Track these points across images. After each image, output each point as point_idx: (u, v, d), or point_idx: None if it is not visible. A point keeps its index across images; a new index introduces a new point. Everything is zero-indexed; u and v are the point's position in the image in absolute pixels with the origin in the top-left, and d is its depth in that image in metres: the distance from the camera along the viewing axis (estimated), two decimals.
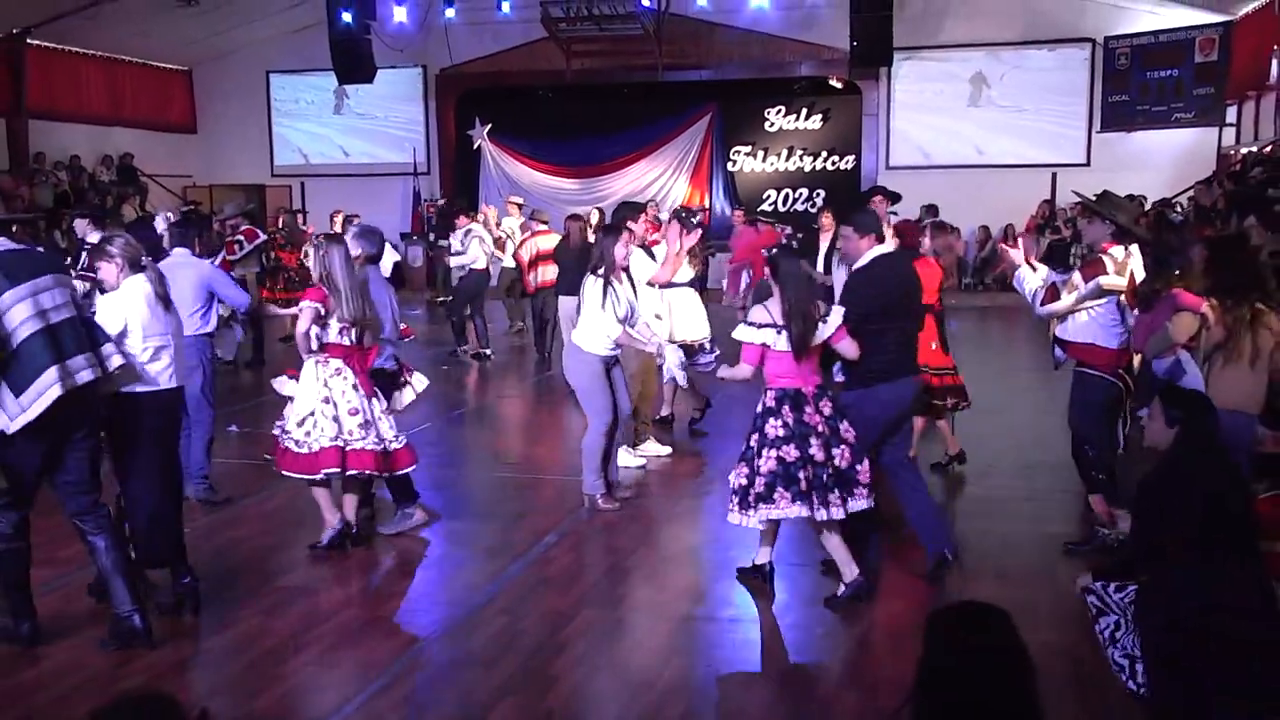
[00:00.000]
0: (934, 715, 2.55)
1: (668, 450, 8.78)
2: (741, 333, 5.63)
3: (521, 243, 13.80)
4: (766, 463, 5.50)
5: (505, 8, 20.63)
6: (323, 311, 6.41)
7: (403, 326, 7.70)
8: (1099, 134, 20.16)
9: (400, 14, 21.27)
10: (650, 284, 8.33)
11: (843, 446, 5.55)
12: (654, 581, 6.17)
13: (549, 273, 12.29)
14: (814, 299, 5.69)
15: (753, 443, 5.60)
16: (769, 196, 23.03)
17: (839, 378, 6.06)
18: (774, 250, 6.12)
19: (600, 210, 14.24)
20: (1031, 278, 6.54)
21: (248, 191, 22.30)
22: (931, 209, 18.71)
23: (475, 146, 24.15)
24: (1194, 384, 5.97)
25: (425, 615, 5.74)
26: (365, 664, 5.08)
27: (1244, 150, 17.79)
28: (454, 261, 14.51)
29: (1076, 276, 6.36)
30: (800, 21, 20.55)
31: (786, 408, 5.55)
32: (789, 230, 18.96)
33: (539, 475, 8.37)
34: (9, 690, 4.78)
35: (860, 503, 5.57)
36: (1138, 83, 19.35)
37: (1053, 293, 6.38)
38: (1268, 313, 5.82)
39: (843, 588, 5.61)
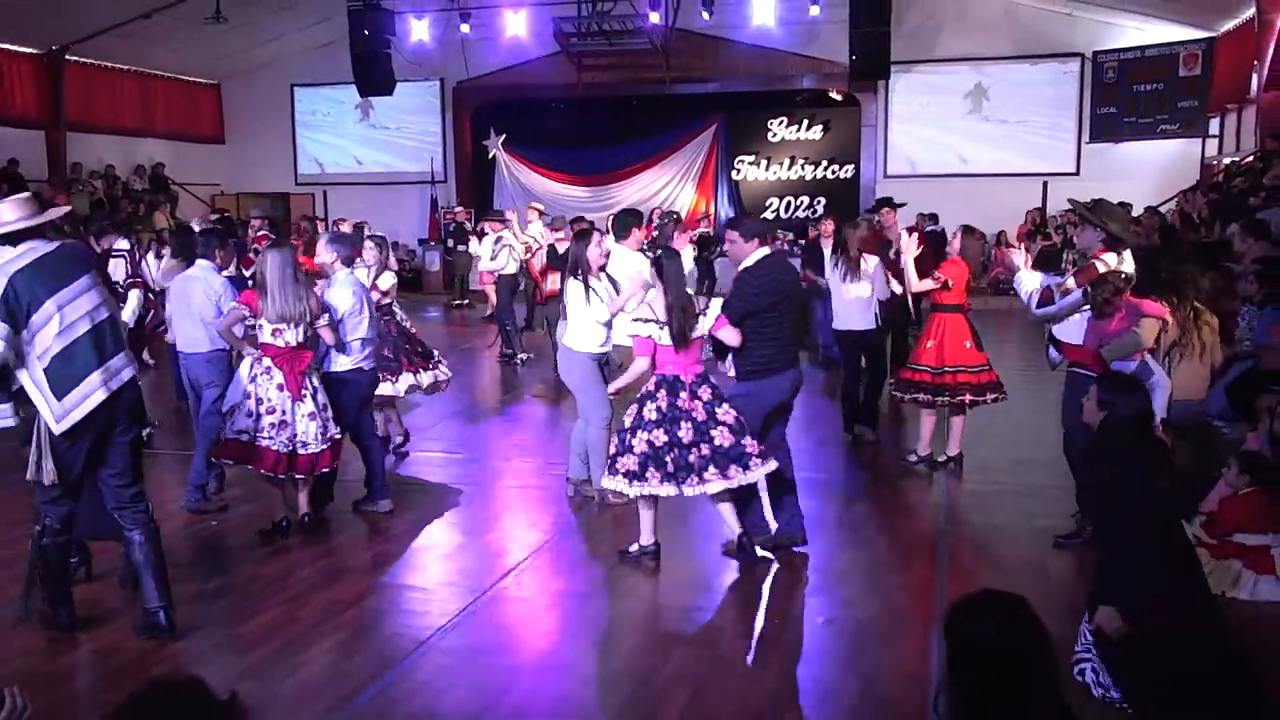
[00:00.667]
0: (967, 696, 2.75)
1: None
2: (632, 328, 6.10)
3: (534, 251, 13.88)
4: (640, 444, 5.89)
5: (518, 25, 20.66)
6: (247, 313, 6.55)
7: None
8: (1088, 144, 20.24)
9: (419, 30, 21.30)
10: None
11: (720, 428, 5.88)
12: (659, 573, 6.10)
13: (558, 281, 12.29)
14: (691, 297, 6.11)
15: (627, 420, 6.00)
16: (771, 204, 23.12)
17: (730, 371, 6.37)
18: (659, 253, 6.32)
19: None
20: (1030, 280, 6.62)
21: (272, 199, 22.56)
22: (931, 217, 18.90)
23: (490, 156, 24.18)
24: (1163, 384, 6.26)
25: (441, 605, 5.69)
26: (384, 651, 5.09)
27: (1226, 160, 17.89)
28: (483, 267, 14.54)
29: (1070, 281, 6.42)
30: (802, 37, 20.59)
31: (663, 392, 5.98)
32: (790, 236, 19.13)
33: (550, 471, 8.32)
34: (50, 674, 4.81)
35: (747, 474, 5.88)
36: (1125, 96, 19.42)
37: (1048, 295, 6.46)
38: (1204, 310, 6.44)
39: (635, 545, 6.14)
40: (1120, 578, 4.25)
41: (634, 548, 6.17)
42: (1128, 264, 6.45)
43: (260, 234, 12.45)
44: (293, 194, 23.97)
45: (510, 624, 5.50)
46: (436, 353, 9.19)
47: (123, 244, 12.09)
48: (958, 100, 20.92)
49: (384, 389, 8.51)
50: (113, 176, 21.74)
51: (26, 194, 5.20)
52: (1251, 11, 15.85)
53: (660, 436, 5.88)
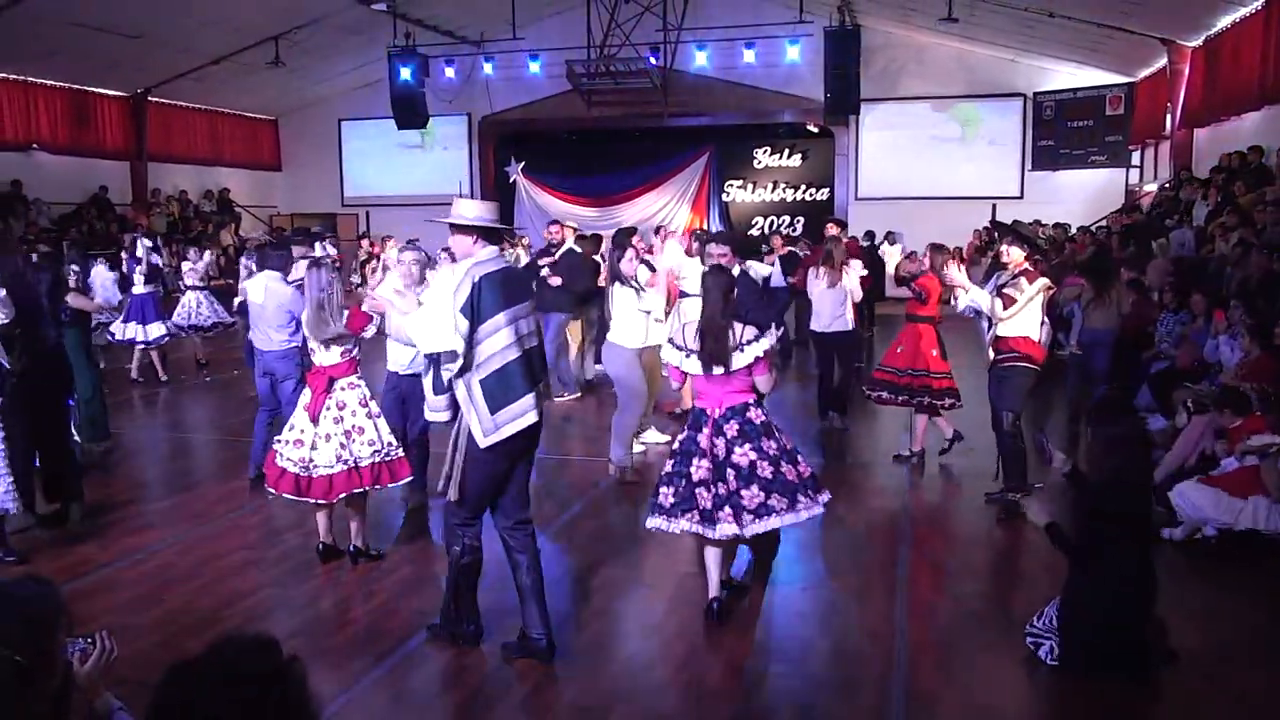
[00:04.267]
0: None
1: (667, 438, 8.38)
2: (664, 353, 5.19)
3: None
4: (668, 475, 4.99)
5: (534, 67, 20.81)
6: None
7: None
8: (1030, 172, 20.34)
9: (449, 71, 21.41)
10: (649, 286, 7.96)
11: (731, 470, 4.79)
12: (667, 546, 5.97)
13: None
14: (730, 322, 4.89)
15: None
16: (757, 222, 23.26)
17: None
18: (707, 270, 5.43)
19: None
20: (984, 295, 6.53)
21: (322, 219, 22.70)
22: (890, 235, 19.12)
23: (511, 181, 24.28)
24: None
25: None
26: (420, 609, 5.15)
27: (1147, 187, 18.11)
28: None
29: (1023, 281, 6.36)
30: (783, 77, 20.63)
31: (688, 426, 5.04)
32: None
33: (566, 457, 8.35)
34: (134, 629, 4.80)
35: (745, 528, 4.74)
36: (1061, 130, 19.52)
37: (1009, 299, 6.39)
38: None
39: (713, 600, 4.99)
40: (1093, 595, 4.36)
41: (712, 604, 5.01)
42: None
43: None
44: (339, 214, 24.08)
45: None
46: None
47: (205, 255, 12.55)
48: (918, 133, 20.96)
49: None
50: (185, 200, 21.92)
51: (493, 202, 4.81)
52: (1164, 62, 16.10)
53: (668, 466, 4.98)
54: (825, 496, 5.01)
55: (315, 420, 5.63)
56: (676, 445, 5.05)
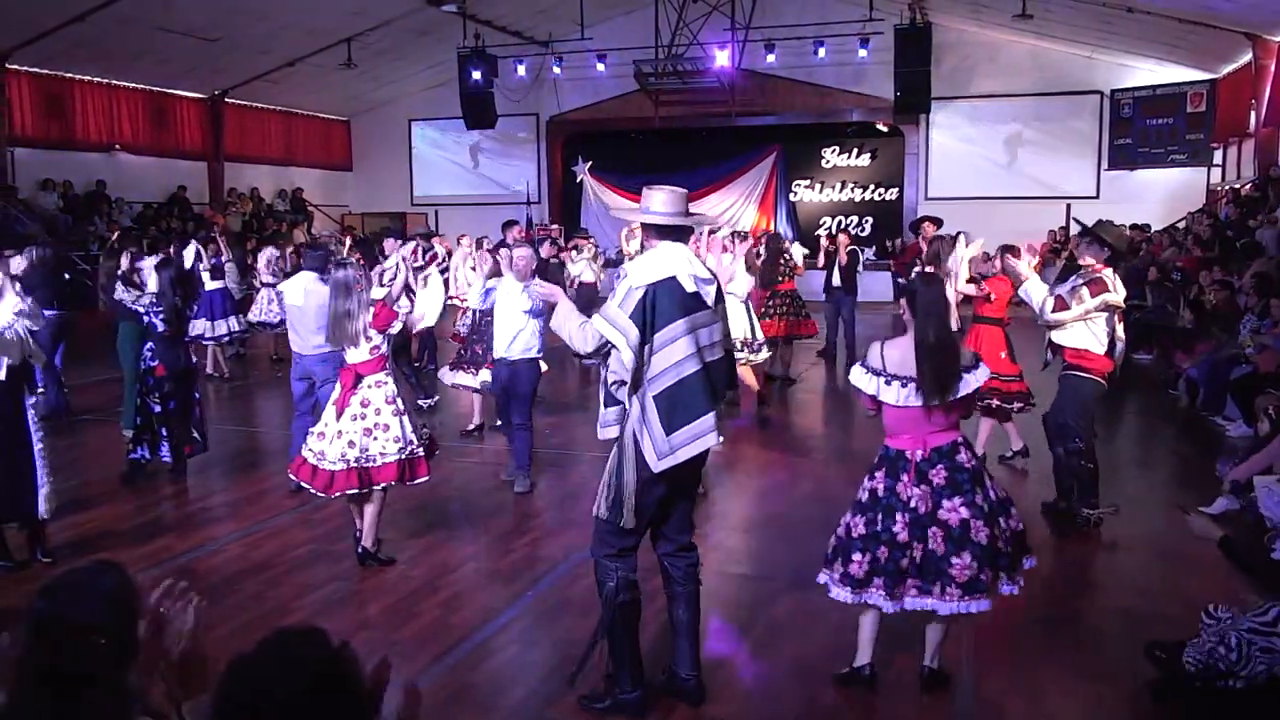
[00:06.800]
0: None
1: (719, 439, 8.31)
2: (853, 375, 4.19)
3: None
4: (854, 534, 4.10)
5: (600, 67, 20.86)
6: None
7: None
8: (1106, 171, 19.93)
9: (518, 72, 21.50)
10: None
11: (935, 528, 3.94)
12: (718, 546, 6.06)
13: None
14: (956, 343, 4.12)
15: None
16: (824, 223, 23.04)
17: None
18: (912, 278, 4.87)
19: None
20: (1039, 289, 6.30)
21: (392, 218, 22.99)
22: (961, 235, 18.73)
23: (578, 180, 24.37)
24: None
25: (518, 581, 5.64)
26: (487, 605, 5.20)
27: (1228, 187, 17.63)
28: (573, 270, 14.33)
29: (1084, 291, 6.16)
30: (852, 76, 20.49)
31: (882, 472, 4.10)
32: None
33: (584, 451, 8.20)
34: (208, 617, 4.88)
35: (944, 603, 3.94)
36: (1139, 129, 19.13)
37: (1061, 303, 6.21)
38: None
39: (847, 668, 4.31)
40: None
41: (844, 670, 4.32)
42: (1119, 285, 6.27)
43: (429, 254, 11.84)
44: (409, 213, 24.33)
45: (588, 589, 4.77)
46: None
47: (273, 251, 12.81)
48: (991, 131, 20.68)
49: (465, 380, 8.75)
50: (260, 199, 22.35)
51: (682, 190, 4.06)
52: (1249, 57, 15.64)
53: (860, 526, 4.07)
54: (1031, 562, 4.17)
55: (339, 415, 5.68)
56: (863, 496, 4.13)
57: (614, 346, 3.83)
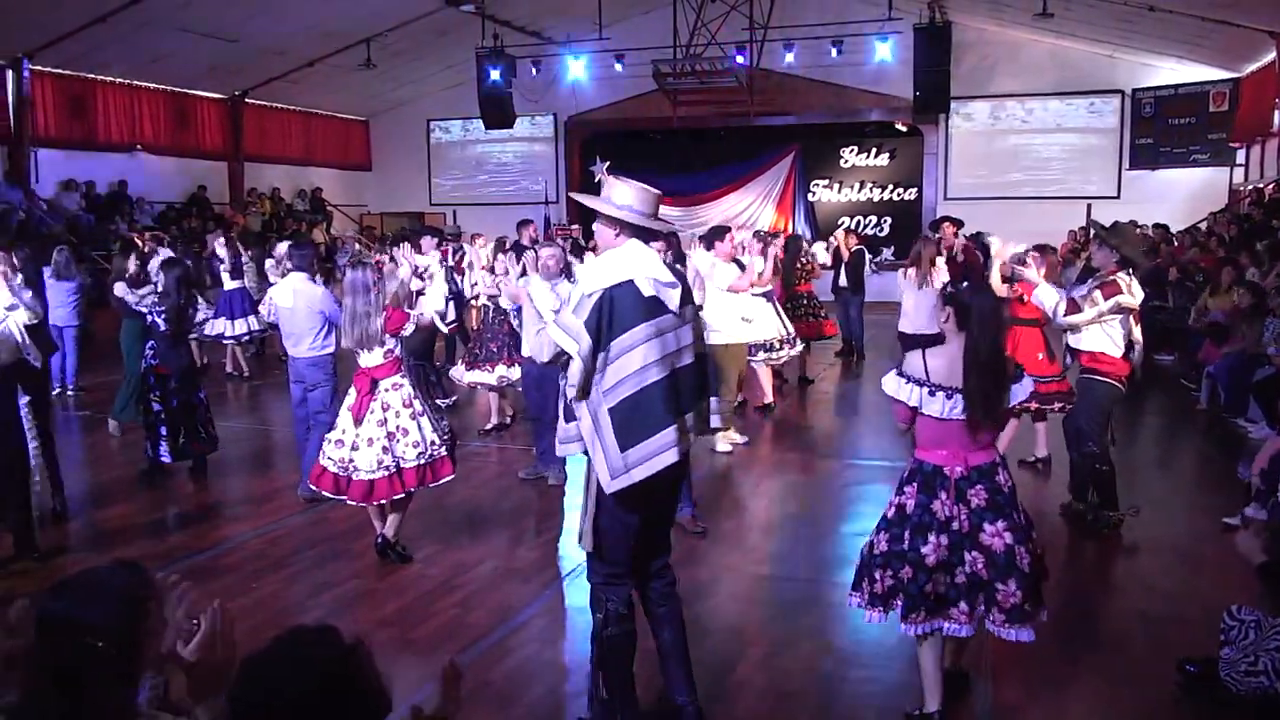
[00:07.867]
0: None
1: (745, 439, 8.42)
2: (888, 384, 3.91)
3: None
4: (879, 551, 3.86)
5: (618, 67, 20.79)
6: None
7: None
8: (1128, 171, 19.76)
9: (536, 72, 21.49)
10: (732, 290, 8.03)
11: (975, 553, 3.69)
12: (739, 546, 6.14)
13: None
14: (1005, 355, 3.85)
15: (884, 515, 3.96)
16: (843, 222, 22.87)
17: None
18: (960, 286, 4.52)
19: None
20: (1050, 294, 6.23)
21: (410, 218, 23.00)
22: (980, 236, 18.62)
23: (596, 180, 24.28)
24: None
25: (536, 580, 5.65)
26: (504, 604, 5.22)
27: (1251, 187, 17.48)
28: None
29: (1097, 294, 6.09)
30: (871, 75, 20.35)
31: (914, 487, 3.84)
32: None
33: None
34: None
35: (1006, 630, 3.72)
36: (1160, 128, 18.99)
37: (1073, 306, 6.15)
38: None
39: (917, 711, 3.97)
40: None
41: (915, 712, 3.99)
42: (1136, 287, 6.18)
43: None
44: (428, 213, 24.33)
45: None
46: None
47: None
48: (1011, 131, 20.56)
49: (481, 377, 8.75)
50: (279, 199, 22.43)
51: (655, 191, 3.73)
52: (1272, 56, 15.47)
53: (883, 544, 3.83)
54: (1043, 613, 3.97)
55: (358, 421, 5.62)
56: (890, 512, 3.88)
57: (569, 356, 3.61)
